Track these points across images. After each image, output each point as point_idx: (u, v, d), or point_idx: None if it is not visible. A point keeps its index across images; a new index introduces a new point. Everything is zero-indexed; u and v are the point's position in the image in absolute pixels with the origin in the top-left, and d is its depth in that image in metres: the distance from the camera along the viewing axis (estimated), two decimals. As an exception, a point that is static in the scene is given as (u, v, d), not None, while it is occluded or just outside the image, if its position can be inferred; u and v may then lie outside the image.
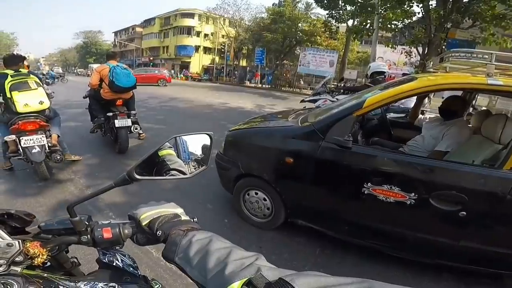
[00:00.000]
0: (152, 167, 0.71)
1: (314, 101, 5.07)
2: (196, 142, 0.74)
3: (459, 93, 3.00)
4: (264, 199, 2.36)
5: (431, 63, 2.82)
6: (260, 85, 22.72)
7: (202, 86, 22.35)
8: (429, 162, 1.82)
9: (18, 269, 0.57)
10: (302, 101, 5.70)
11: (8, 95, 2.93)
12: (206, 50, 40.04)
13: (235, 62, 30.20)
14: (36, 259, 0.58)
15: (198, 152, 0.72)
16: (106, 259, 0.68)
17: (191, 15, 38.34)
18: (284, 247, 2.23)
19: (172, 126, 6.49)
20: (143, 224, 0.59)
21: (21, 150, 3.02)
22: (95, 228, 0.62)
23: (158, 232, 0.56)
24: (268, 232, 2.39)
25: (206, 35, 39.02)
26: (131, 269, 0.68)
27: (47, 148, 3.11)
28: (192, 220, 0.62)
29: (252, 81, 24.73)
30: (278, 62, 25.56)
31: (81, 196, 0.66)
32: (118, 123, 4.02)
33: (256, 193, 2.39)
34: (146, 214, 0.61)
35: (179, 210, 0.64)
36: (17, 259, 0.56)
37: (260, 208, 2.41)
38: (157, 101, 10.86)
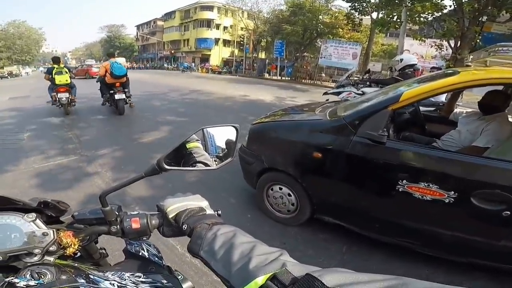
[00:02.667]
0: (180, 159, 0.71)
1: (338, 93, 4.91)
2: (222, 134, 0.74)
3: (499, 87, 2.78)
4: (289, 195, 2.31)
5: (470, 56, 2.64)
6: (279, 78, 22.44)
7: (222, 78, 22.42)
8: (472, 159, 1.68)
9: (51, 258, 0.58)
10: (325, 93, 5.54)
11: (53, 76, 6.49)
12: (226, 42, 40.03)
13: (254, 55, 30.00)
14: (68, 249, 0.59)
15: (224, 144, 0.72)
16: (133, 249, 0.69)
17: (210, 8, 38.33)
18: (308, 244, 2.18)
19: (193, 118, 6.55)
20: (170, 216, 0.60)
21: (57, 100, 6.50)
22: (124, 218, 0.63)
23: (184, 226, 0.57)
24: (292, 228, 2.35)
25: (225, 27, 38.91)
26: (156, 259, 0.69)
27: (69, 99, 6.60)
28: (216, 214, 0.63)
29: (270, 74, 24.53)
30: (298, 55, 25.05)
31: (112, 185, 0.64)
32: (117, 96, 6.47)
33: (281, 188, 2.35)
34: (173, 207, 0.61)
35: (205, 203, 0.65)
36: (50, 248, 0.57)
37: (284, 203, 2.36)
38: (178, 93, 11.05)
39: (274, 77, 22.91)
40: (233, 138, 0.74)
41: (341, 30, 21.49)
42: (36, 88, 13.22)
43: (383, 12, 13.64)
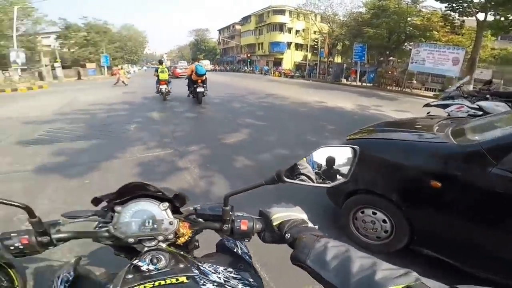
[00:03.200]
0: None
1: (445, 106, 4.19)
2: (338, 154, 0.70)
3: None
4: (384, 221, 2.04)
5: None
6: (359, 83, 21.00)
7: (294, 83, 22.36)
8: None
9: (163, 245, 0.63)
10: (427, 105, 4.79)
11: (158, 73, 9.83)
12: (298, 46, 39.64)
13: (329, 59, 28.93)
14: (180, 238, 0.65)
15: (324, 161, 0.69)
16: (229, 244, 0.76)
17: (282, 12, 38.38)
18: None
19: (271, 122, 6.63)
20: (274, 224, 0.63)
21: (159, 90, 9.78)
22: (236, 219, 0.67)
23: (286, 235, 0.60)
24: (377, 256, 2.05)
25: (297, 31, 38.47)
26: (247, 257, 0.73)
27: (166, 90, 9.83)
28: (316, 228, 0.64)
29: (349, 79, 23.20)
30: (381, 59, 23.04)
31: (235, 189, 0.66)
32: (198, 89, 8.91)
33: (374, 213, 2.09)
34: (278, 215, 0.64)
35: (305, 216, 0.67)
36: (169, 236, 0.62)
37: (375, 229, 2.10)
38: (255, 97, 11.46)
39: (353, 83, 21.57)
40: (345, 159, 0.70)
41: (436, 32, 18.74)
42: (141, 86, 15.77)
43: (495, 12, 11.31)
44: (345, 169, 0.67)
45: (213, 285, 0.53)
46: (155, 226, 0.61)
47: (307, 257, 0.51)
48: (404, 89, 16.77)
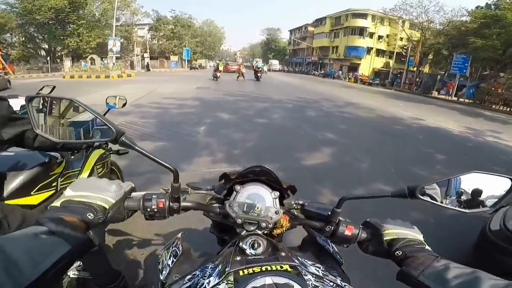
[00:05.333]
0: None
1: None
2: (487, 182, 0.59)
3: None
4: None
5: None
6: (454, 98, 17.58)
7: (375, 91, 19.91)
8: None
9: (260, 232, 0.63)
10: None
11: (217, 66, 19.24)
12: (379, 52, 36.53)
13: (419, 68, 25.18)
14: (278, 229, 0.66)
15: (468, 188, 0.59)
16: (321, 240, 0.75)
17: (363, 16, 35.33)
18: None
19: (360, 142, 5.34)
20: (385, 238, 0.61)
21: (215, 75, 18.23)
22: (341, 223, 0.64)
23: (397, 252, 0.57)
24: None
25: (380, 37, 35.64)
26: (338, 256, 0.72)
27: (218, 75, 18.50)
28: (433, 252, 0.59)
29: (440, 92, 19.74)
30: (486, 73, 18.94)
31: (355, 194, 0.69)
32: (258, 75, 19.49)
33: None
34: (392, 231, 0.61)
35: (421, 237, 0.62)
36: (270, 225, 0.62)
37: None
38: (332, 104, 10.14)
39: (447, 97, 18.29)
40: (495, 189, 0.59)
41: None
42: (214, 82, 16.10)
43: None
44: (491, 200, 0.58)
45: (313, 277, 0.52)
46: (262, 212, 0.61)
47: (421, 273, 0.50)
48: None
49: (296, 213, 0.70)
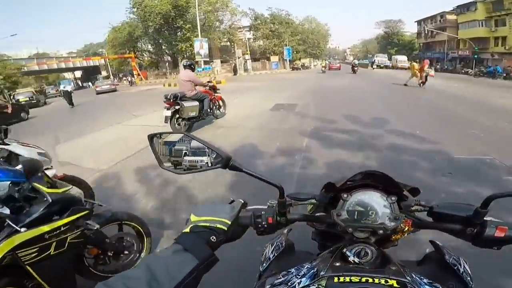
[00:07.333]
0: None
1: None
2: None
3: None
4: None
5: None
6: None
7: None
8: None
9: (373, 238, 0.59)
10: None
11: (324, 65, 29.09)
12: None
13: None
14: (397, 234, 0.61)
15: None
16: (449, 259, 0.65)
17: None
18: None
19: None
20: None
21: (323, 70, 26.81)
22: (488, 224, 0.57)
23: None
24: None
25: None
26: (468, 278, 0.61)
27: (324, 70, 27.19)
28: None
29: None
30: None
31: (506, 191, 0.52)
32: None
33: None
34: None
35: None
36: (388, 231, 0.57)
37: None
38: None
39: None
40: None
41: None
42: (309, 90, 11.46)
43: None
44: None
45: None
46: (378, 219, 0.58)
47: None
48: None
49: (420, 215, 0.64)
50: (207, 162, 0.68)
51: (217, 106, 6.66)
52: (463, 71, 27.84)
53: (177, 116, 5.37)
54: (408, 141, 4.30)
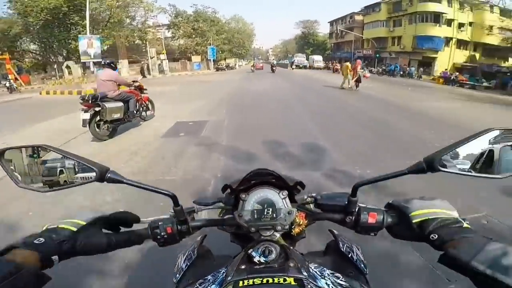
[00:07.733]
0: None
1: None
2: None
3: None
4: None
5: None
6: None
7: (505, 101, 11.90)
8: None
9: (278, 235, 0.59)
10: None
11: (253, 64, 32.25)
12: (461, 44, 28.67)
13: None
14: (295, 228, 0.60)
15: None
16: (344, 248, 0.67)
17: None
18: None
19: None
20: (414, 221, 0.53)
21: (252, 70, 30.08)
22: (362, 210, 0.58)
23: (432, 235, 0.50)
24: None
25: (461, 24, 28.29)
26: (361, 265, 0.64)
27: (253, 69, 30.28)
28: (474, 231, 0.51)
29: None
30: None
31: (369, 178, 0.53)
32: (273, 69, 27.91)
33: None
34: (420, 212, 0.54)
35: (456, 213, 0.53)
36: (286, 226, 0.58)
37: None
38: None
39: None
40: None
41: None
42: (228, 97, 9.78)
43: None
44: None
45: None
46: (275, 215, 0.58)
47: (473, 258, 0.43)
48: None
49: (312, 208, 0.65)
50: (79, 177, 0.57)
51: (145, 108, 6.20)
52: (368, 69, 31.07)
53: (98, 118, 4.78)
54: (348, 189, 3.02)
